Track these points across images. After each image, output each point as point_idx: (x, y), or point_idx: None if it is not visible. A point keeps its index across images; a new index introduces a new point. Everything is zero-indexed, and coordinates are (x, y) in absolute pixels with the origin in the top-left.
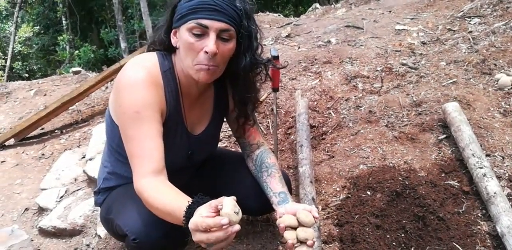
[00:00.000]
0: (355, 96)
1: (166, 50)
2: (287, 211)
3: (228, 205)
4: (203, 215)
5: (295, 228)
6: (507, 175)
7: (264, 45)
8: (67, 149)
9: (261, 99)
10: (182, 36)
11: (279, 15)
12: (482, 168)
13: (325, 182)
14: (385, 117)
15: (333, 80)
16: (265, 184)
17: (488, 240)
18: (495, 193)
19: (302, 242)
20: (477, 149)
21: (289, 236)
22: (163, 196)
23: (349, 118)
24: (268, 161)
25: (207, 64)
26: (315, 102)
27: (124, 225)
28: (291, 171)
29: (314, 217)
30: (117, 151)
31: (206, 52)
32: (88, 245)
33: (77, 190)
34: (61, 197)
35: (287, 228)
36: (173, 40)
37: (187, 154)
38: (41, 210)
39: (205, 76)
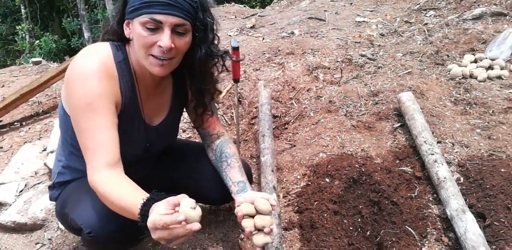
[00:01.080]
0: (316, 86)
1: (120, 40)
2: (246, 200)
3: (185, 202)
4: (160, 213)
5: (253, 216)
6: (456, 160)
7: (229, 36)
8: (27, 142)
9: (225, 90)
10: (135, 29)
11: (244, 6)
12: (433, 154)
13: (287, 170)
14: (344, 107)
15: (295, 71)
16: (224, 174)
17: (439, 223)
18: (445, 178)
19: (259, 229)
20: (429, 136)
21: (247, 224)
22: (119, 190)
23: (310, 108)
24: (228, 151)
25: (162, 59)
26: (278, 93)
27: (79, 219)
28: (254, 160)
29: (271, 204)
30: (71, 144)
31: (160, 47)
32: (50, 239)
33: (38, 183)
34: (21, 191)
35: (245, 216)
36: (126, 31)
37: (145, 146)
38: (0, 205)
39: (160, 70)
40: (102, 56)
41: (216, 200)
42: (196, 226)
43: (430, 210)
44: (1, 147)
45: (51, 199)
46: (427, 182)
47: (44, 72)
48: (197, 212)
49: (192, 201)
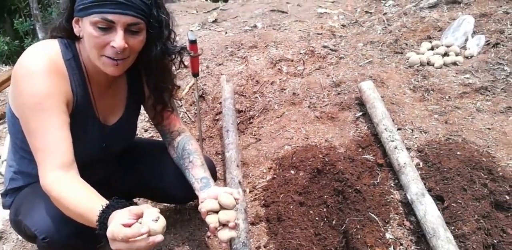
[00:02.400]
0: (280, 79)
1: (69, 37)
2: (209, 196)
3: (148, 213)
4: (121, 223)
5: (217, 212)
6: (416, 146)
7: (191, 31)
8: None
9: (187, 87)
10: (85, 28)
11: (206, 0)
12: (393, 141)
13: (252, 165)
14: (308, 98)
15: (259, 64)
16: (187, 171)
17: (400, 208)
18: (405, 163)
19: (224, 224)
20: (389, 124)
21: (211, 220)
22: (74, 195)
23: (274, 101)
24: (190, 147)
25: (116, 59)
26: (242, 87)
27: (32, 225)
28: (220, 156)
29: (235, 198)
30: (21, 147)
31: (114, 47)
32: None
33: None
34: None
35: (209, 212)
36: (76, 29)
37: (101, 146)
38: None
39: (114, 70)
40: (50, 54)
41: (180, 198)
42: (159, 238)
43: (392, 196)
44: None
45: (4, 207)
46: (388, 168)
47: None
48: (160, 223)
49: (155, 212)
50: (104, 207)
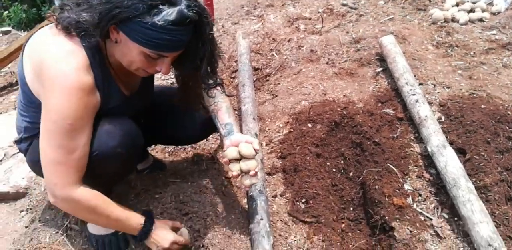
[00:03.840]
0: (297, 37)
1: (89, 34)
2: (232, 143)
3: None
4: (172, 240)
5: (239, 160)
6: (438, 100)
7: None
8: (2, 112)
9: None
10: (131, 50)
11: None
12: (414, 94)
13: (269, 120)
14: (326, 55)
15: (275, 23)
16: (214, 115)
17: (420, 160)
18: (426, 116)
19: (246, 173)
20: (410, 78)
21: (233, 168)
22: (111, 205)
23: (291, 58)
24: (217, 94)
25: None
26: (258, 45)
27: None
28: (236, 112)
29: (254, 149)
30: (31, 107)
31: (158, 71)
32: (35, 206)
33: (17, 152)
34: (0, 160)
35: (231, 161)
36: (112, 35)
37: (132, 112)
38: None
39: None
40: (79, 60)
41: (194, 138)
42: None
43: (411, 149)
44: None
45: (21, 151)
46: (408, 122)
47: (14, 41)
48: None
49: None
50: (145, 220)
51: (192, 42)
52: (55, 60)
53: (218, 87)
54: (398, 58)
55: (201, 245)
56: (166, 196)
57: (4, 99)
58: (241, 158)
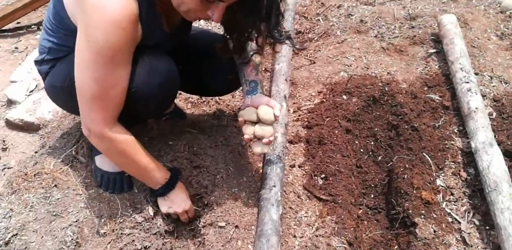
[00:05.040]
0: (347, 4)
1: None
2: (252, 103)
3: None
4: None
5: (255, 123)
6: (492, 94)
7: None
8: None
9: None
10: None
11: None
12: (468, 82)
13: (301, 86)
14: (376, 27)
15: None
16: (240, 68)
17: (460, 156)
18: (476, 108)
19: (259, 139)
20: (466, 64)
21: (247, 131)
22: (141, 151)
23: (337, 26)
24: (247, 48)
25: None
26: (305, 8)
27: None
28: (268, 74)
29: (274, 114)
30: (62, 28)
31: (209, 18)
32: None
33: None
34: (31, 91)
35: (246, 122)
36: None
37: (171, 48)
38: (10, 103)
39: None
40: None
41: (216, 91)
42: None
43: (452, 142)
44: (17, 48)
45: (40, 73)
46: (454, 112)
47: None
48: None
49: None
50: (170, 177)
51: None
52: None
53: (259, 41)
54: (456, 40)
55: (206, 203)
56: (180, 144)
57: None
58: (258, 121)
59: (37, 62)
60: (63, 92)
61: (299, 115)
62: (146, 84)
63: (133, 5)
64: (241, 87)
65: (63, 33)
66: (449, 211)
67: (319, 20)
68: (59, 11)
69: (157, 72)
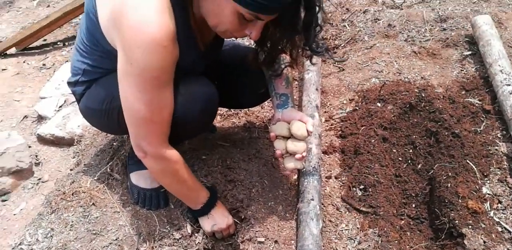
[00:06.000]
0: (374, 9)
1: None
2: (283, 118)
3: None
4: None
5: (287, 138)
6: None
7: None
8: (68, 61)
9: None
10: (223, 9)
11: None
12: (509, 85)
13: (332, 94)
14: (405, 31)
15: None
16: (270, 81)
17: (505, 162)
18: None
19: (291, 154)
20: (506, 65)
21: (279, 146)
22: (189, 172)
23: (365, 31)
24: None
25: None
26: (330, 14)
27: None
28: (296, 83)
29: (307, 130)
30: (97, 50)
31: (247, 36)
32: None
33: None
34: (60, 106)
35: (278, 137)
36: None
37: (204, 66)
38: (40, 118)
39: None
40: (165, 14)
41: (246, 104)
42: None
43: (496, 147)
44: (44, 64)
45: (74, 94)
46: (496, 116)
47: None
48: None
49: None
50: (209, 196)
51: (296, 3)
52: (134, 7)
53: (293, 54)
54: (493, 42)
55: (243, 217)
56: (213, 158)
57: (71, 48)
58: (290, 136)
59: (70, 84)
60: (100, 115)
61: (331, 125)
62: (186, 110)
63: (170, 22)
64: (270, 99)
65: (98, 55)
66: (497, 220)
67: (345, 26)
68: (93, 33)
69: (198, 97)
